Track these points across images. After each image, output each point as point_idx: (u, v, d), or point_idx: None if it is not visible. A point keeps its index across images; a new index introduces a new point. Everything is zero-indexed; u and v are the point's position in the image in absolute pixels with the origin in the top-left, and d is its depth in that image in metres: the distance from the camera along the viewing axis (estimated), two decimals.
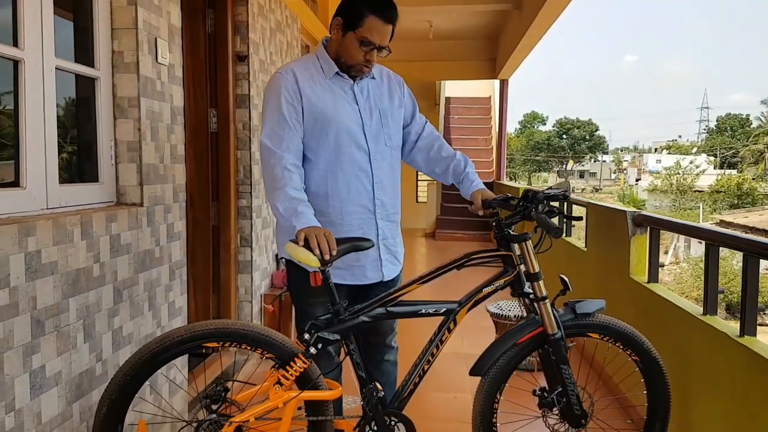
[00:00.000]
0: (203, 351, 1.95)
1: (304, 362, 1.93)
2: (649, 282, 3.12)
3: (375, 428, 2.03)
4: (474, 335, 4.48)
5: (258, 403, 1.93)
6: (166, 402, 2.58)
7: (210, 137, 3.67)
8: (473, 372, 2.12)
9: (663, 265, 3.96)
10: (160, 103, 2.55)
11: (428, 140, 2.38)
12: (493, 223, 2.10)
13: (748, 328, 2.20)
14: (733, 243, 2.36)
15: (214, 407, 1.92)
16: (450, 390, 3.57)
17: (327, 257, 1.86)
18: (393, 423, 2.05)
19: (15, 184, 1.87)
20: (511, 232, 2.08)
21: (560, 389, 2.11)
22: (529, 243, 2.08)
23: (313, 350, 1.93)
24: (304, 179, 2.13)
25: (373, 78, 2.24)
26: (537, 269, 2.07)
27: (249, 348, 1.94)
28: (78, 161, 2.36)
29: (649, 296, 3.00)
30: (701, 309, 2.53)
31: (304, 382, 1.97)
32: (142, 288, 2.43)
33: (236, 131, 3.79)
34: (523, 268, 2.08)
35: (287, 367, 1.93)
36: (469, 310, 2.09)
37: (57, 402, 1.89)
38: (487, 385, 2.10)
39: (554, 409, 2.15)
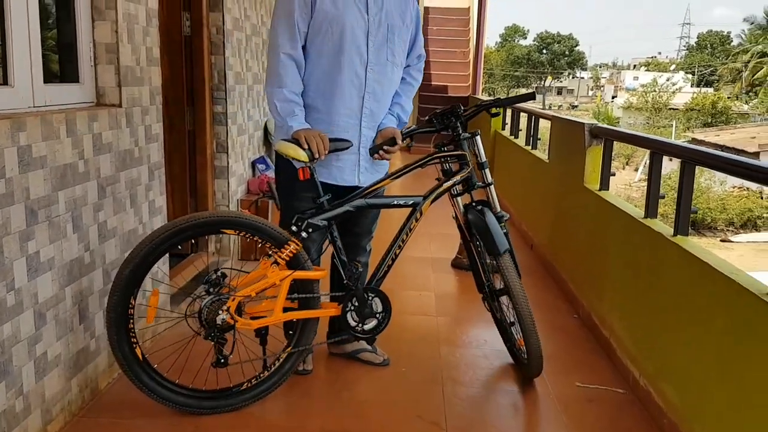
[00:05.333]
0: (221, 234, 2.23)
1: (297, 244, 2.23)
2: (600, 190, 3.34)
3: (356, 304, 2.39)
4: (440, 242, 4.75)
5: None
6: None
7: (184, 41, 3.71)
8: (502, 252, 2.42)
9: (614, 174, 4.21)
10: (135, 5, 2.60)
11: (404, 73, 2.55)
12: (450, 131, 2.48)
13: (681, 228, 2.44)
14: (672, 150, 2.57)
15: (213, 290, 2.23)
16: (417, 289, 3.84)
17: (322, 156, 2.19)
18: (370, 297, 2.41)
19: (4, 83, 1.97)
20: (466, 135, 2.44)
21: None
22: (478, 138, 2.46)
23: (304, 234, 2.23)
24: (304, 74, 2.33)
25: None
26: (484, 159, 2.48)
27: (249, 236, 2.24)
28: (59, 62, 2.44)
29: (600, 202, 3.23)
30: (644, 213, 2.76)
31: (295, 264, 2.27)
32: (123, 186, 2.57)
33: (210, 35, 3.82)
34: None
35: (282, 249, 2.23)
36: (432, 201, 2.43)
37: (51, 285, 2.07)
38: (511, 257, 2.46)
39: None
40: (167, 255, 3.02)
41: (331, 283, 2.63)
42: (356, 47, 2.29)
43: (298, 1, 2.23)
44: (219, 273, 2.26)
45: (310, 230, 2.25)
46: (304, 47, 2.32)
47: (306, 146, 2.18)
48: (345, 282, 2.39)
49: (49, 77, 2.24)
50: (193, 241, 3.93)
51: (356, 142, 2.40)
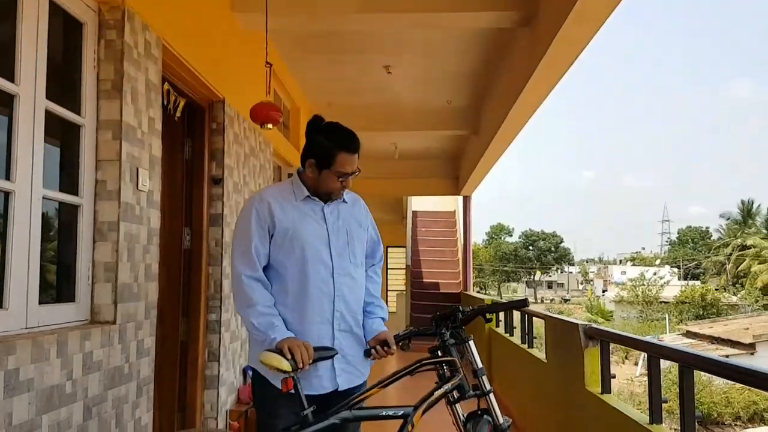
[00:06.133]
0: None
1: None
2: (602, 393, 3.25)
3: None
4: None
5: None
6: None
7: (183, 254, 3.83)
8: None
9: (614, 376, 4.14)
10: (137, 226, 2.73)
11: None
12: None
13: None
14: (669, 355, 2.54)
15: None
16: None
17: (307, 367, 2.10)
18: None
19: None
20: (450, 341, 2.41)
21: None
22: (471, 344, 2.41)
23: None
24: (273, 289, 2.32)
25: (345, 202, 2.47)
26: (480, 365, 2.38)
27: None
28: (57, 281, 2.50)
29: (603, 407, 3.13)
30: (648, 418, 2.66)
31: None
32: (110, 405, 2.49)
33: (209, 248, 3.95)
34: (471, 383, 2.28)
35: None
36: (424, 412, 2.27)
37: None
38: None
39: None
40: None
41: None
42: (319, 257, 2.32)
43: (256, 228, 2.29)
44: None
45: None
46: (268, 265, 2.34)
47: (290, 356, 2.11)
48: None
49: (45, 291, 2.27)
50: None
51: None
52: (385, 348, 2.39)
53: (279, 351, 2.13)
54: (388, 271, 16.26)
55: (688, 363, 2.36)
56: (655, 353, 2.64)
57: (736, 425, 17.16)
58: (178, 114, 3.60)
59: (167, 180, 3.67)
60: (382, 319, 2.54)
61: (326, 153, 2.28)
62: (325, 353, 2.24)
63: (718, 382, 18.40)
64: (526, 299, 2.67)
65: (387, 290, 15.95)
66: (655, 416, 2.62)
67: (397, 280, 15.87)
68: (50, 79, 2.30)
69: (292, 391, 2.13)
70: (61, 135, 2.52)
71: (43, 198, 2.22)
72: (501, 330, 6.83)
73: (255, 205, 2.30)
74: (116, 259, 2.54)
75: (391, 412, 2.27)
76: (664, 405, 2.70)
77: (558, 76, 4.76)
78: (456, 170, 11.03)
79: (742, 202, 49.47)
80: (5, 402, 1.82)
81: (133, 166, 2.67)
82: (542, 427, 4.45)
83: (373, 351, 2.39)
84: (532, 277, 65.69)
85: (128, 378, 2.64)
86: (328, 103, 7.36)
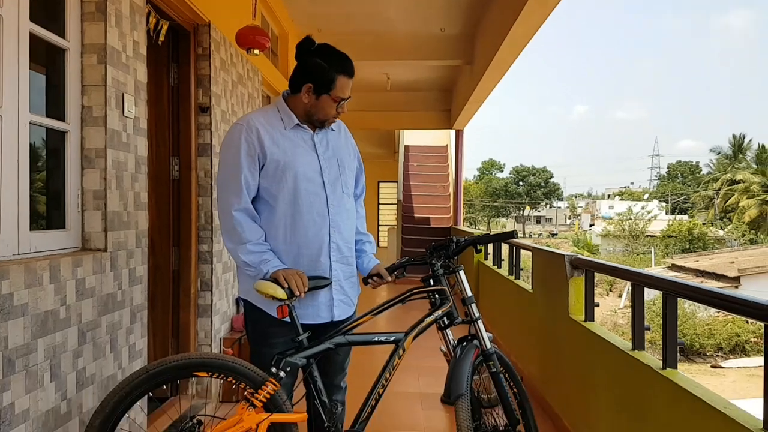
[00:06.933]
0: (193, 378, 2.10)
1: (275, 385, 2.11)
2: (586, 321, 3.34)
3: None
4: (429, 376, 4.64)
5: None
6: None
7: (172, 184, 3.81)
8: (453, 398, 2.28)
9: (598, 305, 4.27)
10: (125, 154, 2.70)
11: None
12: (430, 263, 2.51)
13: (670, 361, 2.42)
14: (654, 283, 2.59)
15: None
16: (406, 428, 3.69)
17: (302, 295, 2.14)
18: None
19: None
20: (441, 270, 2.48)
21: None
22: (461, 273, 2.49)
23: (282, 374, 2.11)
24: (263, 221, 2.30)
25: (332, 130, 2.42)
26: (470, 294, 2.48)
27: (223, 377, 2.13)
28: (47, 209, 2.49)
29: (586, 334, 3.22)
30: (630, 345, 2.75)
31: (273, 406, 2.14)
32: (104, 330, 2.53)
33: (198, 179, 3.93)
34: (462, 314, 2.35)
35: (259, 390, 2.11)
36: (414, 338, 2.35)
37: None
38: (467, 403, 2.27)
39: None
40: (146, 400, 2.91)
41: (309, 430, 2.51)
42: (313, 187, 2.28)
43: (245, 158, 2.21)
44: (194, 421, 2.15)
45: (288, 369, 2.17)
46: (257, 196, 2.29)
47: (285, 285, 2.14)
48: (326, 425, 2.28)
49: (36, 220, 2.27)
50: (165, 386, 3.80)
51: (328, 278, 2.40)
52: (377, 278, 2.48)
53: (274, 280, 2.16)
54: (380, 206, 16.34)
55: (672, 290, 2.41)
56: (639, 281, 2.70)
57: (717, 356, 17.73)
58: (161, 39, 3.50)
59: (153, 108, 3.61)
60: (373, 254, 2.59)
61: (326, 76, 2.22)
62: (319, 282, 2.28)
63: (702, 314, 18.91)
64: (515, 231, 2.71)
65: (378, 225, 16.08)
66: (638, 343, 2.70)
67: (389, 215, 15.97)
68: (33, 0, 2.22)
69: (287, 318, 2.17)
70: (46, 59, 2.46)
71: (30, 123, 2.19)
72: (489, 263, 6.93)
73: (243, 134, 2.21)
74: (105, 186, 2.53)
75: (383, 338, 2.34)
76: (646, 335, 2.78)
77: (555, 1, 4.65)
78: (449, 103, 10.92)
79: (734, 136, 49.53)
80: (0, 326, 1.84)
81: (119, 91, 2.62)
82: (527, 354, 4.59)
83: (370, 280, 2.50)
84: (521, 212, 66.14)
85: (121, 305, 2.68)
86: (318, 30, 7.19)
